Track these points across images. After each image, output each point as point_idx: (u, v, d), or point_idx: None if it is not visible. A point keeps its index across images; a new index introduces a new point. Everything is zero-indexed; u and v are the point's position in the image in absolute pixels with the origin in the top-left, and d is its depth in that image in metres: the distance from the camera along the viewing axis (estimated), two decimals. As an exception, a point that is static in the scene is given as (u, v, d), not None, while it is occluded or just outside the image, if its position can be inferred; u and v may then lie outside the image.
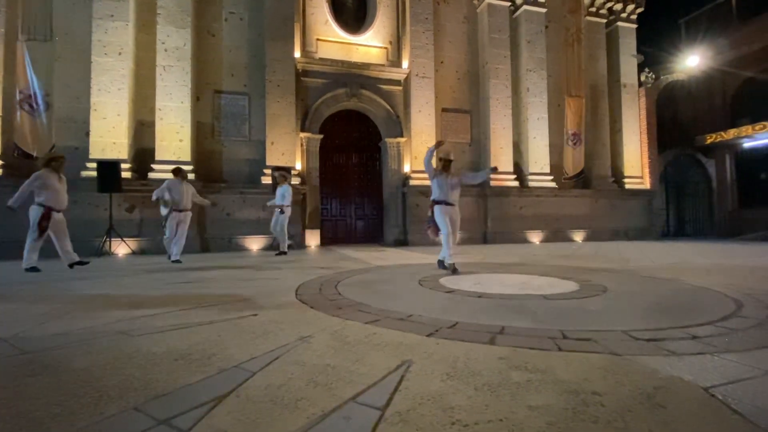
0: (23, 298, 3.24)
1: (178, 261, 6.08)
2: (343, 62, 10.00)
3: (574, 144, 11.75)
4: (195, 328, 2.21)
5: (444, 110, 10.90)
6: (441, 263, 4.85)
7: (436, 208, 4.87)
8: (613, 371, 1.54)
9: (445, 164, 4.97)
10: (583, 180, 11.88)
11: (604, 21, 12.44)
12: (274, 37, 9.25)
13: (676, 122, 14.22)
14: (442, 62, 10.91)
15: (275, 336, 2.05)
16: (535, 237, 10.81)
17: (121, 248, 7.58)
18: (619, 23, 12.42)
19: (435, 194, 4.91)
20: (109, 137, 7.98)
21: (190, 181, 7.16)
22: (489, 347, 1.84)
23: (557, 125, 11.48)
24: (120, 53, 8.10)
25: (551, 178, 11.15)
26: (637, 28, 12.61)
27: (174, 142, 8.38)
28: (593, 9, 12.17)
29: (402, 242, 9.91)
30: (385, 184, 10.55)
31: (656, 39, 14.62)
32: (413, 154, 10.21)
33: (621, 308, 2.72)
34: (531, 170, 11.03)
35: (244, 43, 9.44)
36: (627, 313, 2.57)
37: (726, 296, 3.09)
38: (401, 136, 10.42)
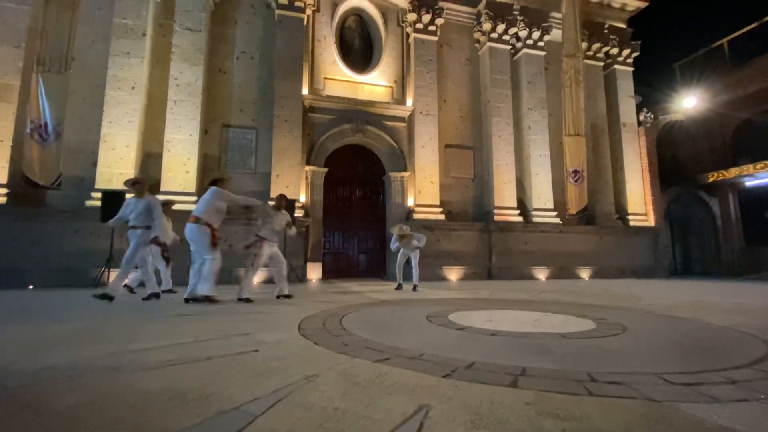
0: (11, 329, 3.08)
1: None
2: (349, 99, 10.26)
3: (576, 181, 11.78)
4: (192, 364, 2.06)
5: (447, 146, 11.05)
6: (399, 286, 7.19)
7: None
8: (656, 420, 1.39)
9: (401, 237, 7.14)
10: (587, 217, 11.83)
11: (602, 64, 12.88)
12: (284, 75, 9.55)
13: (677, 160, 14.38)
14: (445, 101, 11.19)
15: (278, 374, 1.89)
16: (541, 273, 10.60)
17: (119, 279, 7.41)
18: (616, 66, 12.85)
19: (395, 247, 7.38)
20: (116, 168, 8.03)
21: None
22: (513, 390, 1.68)
23: (560, 162, 11.58)
24: (133, 87, 8.33)
25: (555, 214, 11.11)
26: (634, 71, 13.04)
27: (180, 173, 8.43)
28: (590, 53, 12.63)
29: (405, 276, 9.69)
30: (388, 218, 10.49)
31: (653, 81, 15.11)
32: (417, 188, 10.23)
33: (646, 349, 2.56)
34: (535, 206, 11.01)
35: (254, 80, 9.74)
36: (654, 354, 2.41)
37: (754, 337, 2.92)
38: (405, 170, 10.50)
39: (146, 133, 8.61)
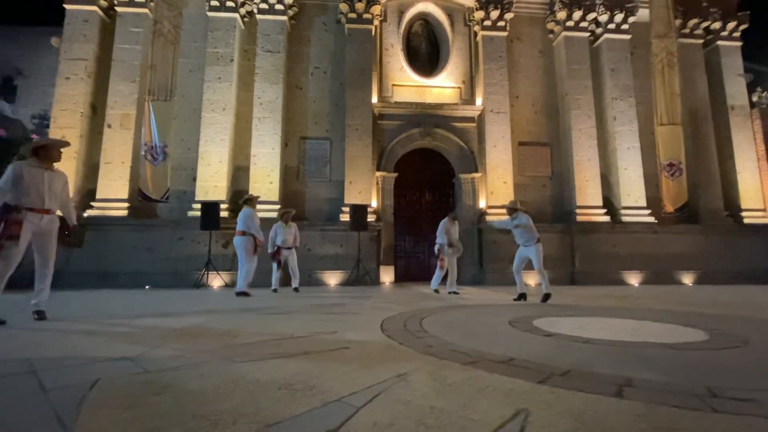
0: (139, 323, 3.61)
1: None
2: (417, 104, 10.33)
3: (672, 174, 10.51)
4: (292, 359, 2.24)
5: (521, 144, 10.59)
6: (522, 296, 5.81)
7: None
8: (804, 445, 1.21)
9: (512, 211, 6.09)
10: (688, 214, 10.49)
11: (701, 41, 11.41)
12: (354, 87, 9.94)
13: (804, 146, 12.13)
14: (517, 97, 10.75)
15: (371, 371, 1.99)
16: (633, 278, 9.63)
17: (216, 281, 8.27)
18: (720, 42, 11.29)
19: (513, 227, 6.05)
20: (211, 181, 9.01)
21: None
22: (618, 401, 1.57)
23: (652, 155, 10.47)
24: (224, 109, 9.29)
25: (649, 212, 10.03)
26: (742, 46, 11.34)
27: (265, 184, 9.18)
28: (686, 30, 11.26)
29: (478, 281, 9.46)
30: (459, 222, 10.31)
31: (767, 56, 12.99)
32: (489, 189, 9.95)
33: (778, 365, 2.21)
34: (623, 204, 10.06)
35: (326, 93, 10.27)
36: (790, 372, 2.08)
37: None
38: (476, 171, 10.27)
39: (235, 148, 9.53)
